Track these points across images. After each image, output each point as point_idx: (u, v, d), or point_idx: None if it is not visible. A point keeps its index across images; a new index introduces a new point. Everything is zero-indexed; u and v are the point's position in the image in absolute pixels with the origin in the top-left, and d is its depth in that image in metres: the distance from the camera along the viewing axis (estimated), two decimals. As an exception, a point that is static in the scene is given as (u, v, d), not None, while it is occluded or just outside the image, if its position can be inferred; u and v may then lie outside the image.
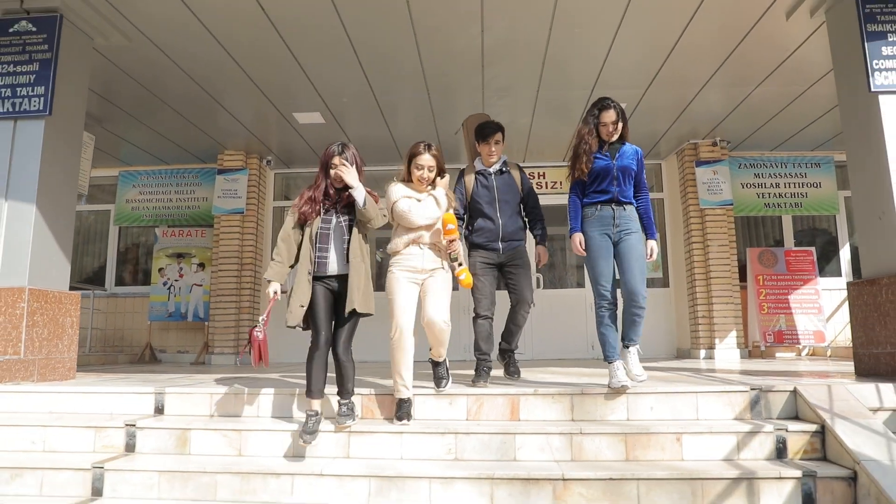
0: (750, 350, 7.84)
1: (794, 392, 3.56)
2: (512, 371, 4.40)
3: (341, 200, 3.55)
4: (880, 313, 4.11)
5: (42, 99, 4.45)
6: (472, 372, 4.17)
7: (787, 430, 3.29)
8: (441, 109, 6.89)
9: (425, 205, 3.67)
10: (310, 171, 8.99)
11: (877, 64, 4.18)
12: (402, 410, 3.54)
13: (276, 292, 3.53)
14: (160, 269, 8.32)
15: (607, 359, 3.77)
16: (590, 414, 3.60)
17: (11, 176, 4.43)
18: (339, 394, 3.52)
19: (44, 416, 3.79)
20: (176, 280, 8.28)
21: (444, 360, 3.85)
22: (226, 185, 8.17)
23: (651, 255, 3.88)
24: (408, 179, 3.74)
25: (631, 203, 3.89)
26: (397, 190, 3.73)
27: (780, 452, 3.27)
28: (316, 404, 3.43)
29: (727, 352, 7.61)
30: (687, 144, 8.00)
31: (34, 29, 4.55)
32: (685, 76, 6.09)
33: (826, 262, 8.35)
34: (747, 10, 4.93)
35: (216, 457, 3.42)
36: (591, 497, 3.00)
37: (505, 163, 4.35)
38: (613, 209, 3.82)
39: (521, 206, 4.41)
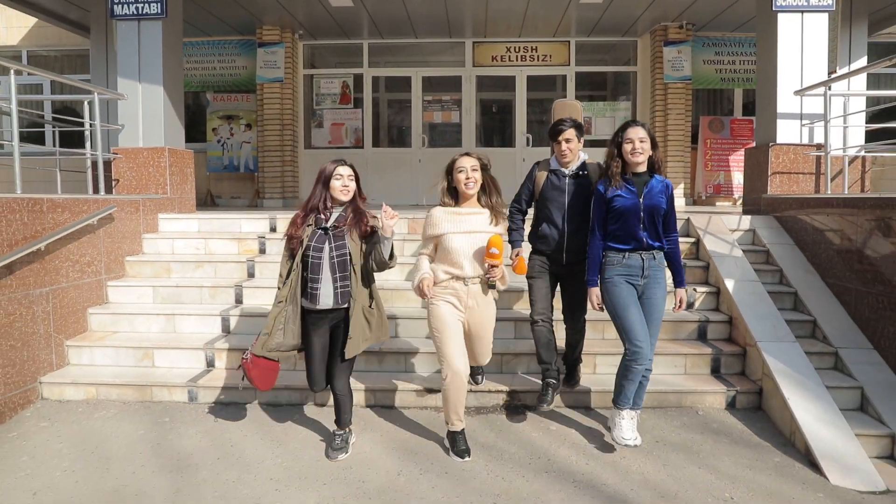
0: (695, 199, 9.81)
1: (688, 220, 5.53)
2: (572, 382, 4.03)
3: (334, 226, 3.24)
4: (759, 170, 5.98)
5: (159, 4, 5.90)
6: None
7: (675, 242, 5.31)
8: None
9: (480, 241, 3.32)
10: (333, 42, 10.35)
11: (780, -12, 5.66)
12: (458, 445, 3.39)
13: None
14: (213, 129, 9.95)
15: (616, 404, 3.41)
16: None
17: (141, 65, 6.00)
18: (336, 422, 3.43)
19: (197, 233, 5.75)
20: (228, 138, 9.95)
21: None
22: (266, 57, 9.56)
23: (680, 306, 3.44)
24: (448, 198, 3.44)
25: (661, 248, 3.37)
26: (443, 219, 3.36)
27: (670, 255, 5.30)
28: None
29: (675, 200, 9.51)
30: (658, 26, 9.34)
31: (144, -53, 5.88)
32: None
33: (766, 128, 10.03)
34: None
35: (319, 257, 5.40)
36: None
37: (584, 164, 3.69)
38: (643, 258, 3.32)
39: None
